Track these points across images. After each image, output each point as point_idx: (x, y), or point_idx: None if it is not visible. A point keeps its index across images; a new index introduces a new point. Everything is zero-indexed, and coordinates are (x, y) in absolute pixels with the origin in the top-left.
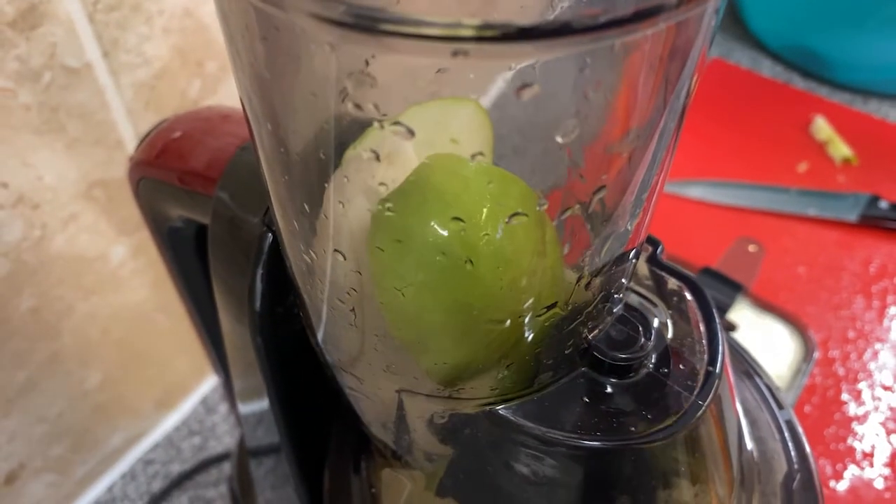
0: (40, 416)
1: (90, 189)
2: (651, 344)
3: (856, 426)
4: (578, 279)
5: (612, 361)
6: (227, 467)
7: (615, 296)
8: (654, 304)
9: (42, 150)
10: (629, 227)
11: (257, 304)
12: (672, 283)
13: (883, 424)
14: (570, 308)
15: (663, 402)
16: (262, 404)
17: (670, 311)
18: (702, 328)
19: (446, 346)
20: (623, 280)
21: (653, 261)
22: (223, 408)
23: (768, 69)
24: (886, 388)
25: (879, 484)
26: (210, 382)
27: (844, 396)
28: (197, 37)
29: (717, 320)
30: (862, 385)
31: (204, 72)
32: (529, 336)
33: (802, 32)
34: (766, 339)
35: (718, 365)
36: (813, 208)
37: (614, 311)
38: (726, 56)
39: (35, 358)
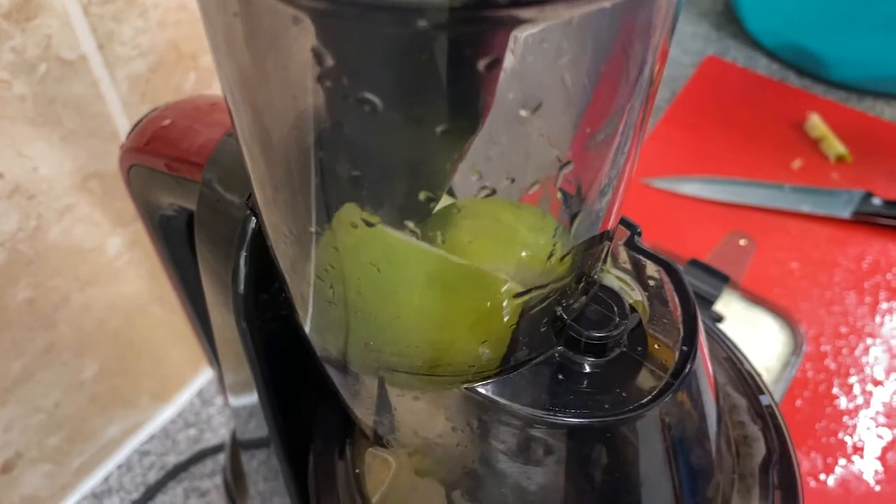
0: (37, 406)
1: (86, 181)
2: (626, 324)
3: (847, 420)
4: (550, 256)
5: (587, 340)
6: (222, 458)
7: (589, 276)
8: (631, 287)
9: (38, 142)
10: (600, 207)
11: (241, 286)
12: (650, 266)
13: (873, 419)
14: (547, 288)
15: (637, 381)
16: (253, 398)
17: (647, 293)
18: (678, 310)
19: (422, 322)
20: (596, 261)
21: (630, 244)
22: (219, 400)
23: (763, 67)
24: (877, 383)
25: (870, 477)
26: (206, 374)
27: (835, 391)
28: (192, 30)
29: (693, 302)
30: (853, 380)
31: (199, 65)
32: (505, 313)
33: (798, 31)
34: (754, 332)
35: (692, 344)
36: (807, 205)
37: (589, 290)
38: (722, 54)
39: (31, 348)
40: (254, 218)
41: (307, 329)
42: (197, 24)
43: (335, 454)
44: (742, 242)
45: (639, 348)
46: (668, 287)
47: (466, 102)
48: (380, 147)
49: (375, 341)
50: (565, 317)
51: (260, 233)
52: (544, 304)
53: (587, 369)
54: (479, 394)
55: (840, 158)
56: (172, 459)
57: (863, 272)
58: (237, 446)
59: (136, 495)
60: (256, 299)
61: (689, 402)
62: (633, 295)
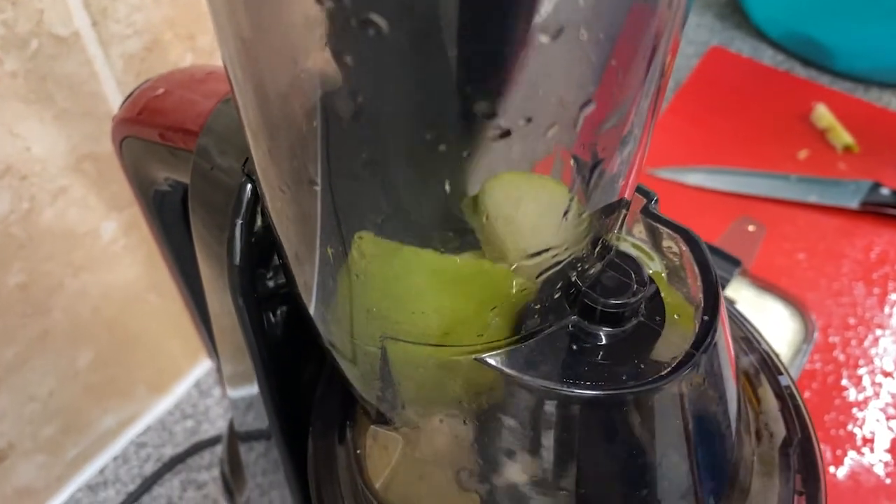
0: (30, 394)
1: (80, 162)
2: (644, 291)
3: (856, 412)
4: (565, 213)
5: (603, 308)
6: (220, 450)
7: (605, 242)
8: (649, 255)
9: (30, 120)
10: (621, 159)
11: (236, 257)
12: (667, 234)
13: (883, 410)
14: (562, 249)
15: (656, 352)
16: (252, 389)
17: (665, 261)
18: (697, 279)
19: (426, 285)
20: (613, 226)
21: (646, 212)
22: (217, 391)
23: (769, 58)
24: (887, 374)
25: (880, 470)
26: (203, 366)
27: (844, 382)
28: (189, 10)
29: (714, 271)
30: (862, 371)
31: (196, 45)
32: (516, 276)
33: (803, 21)
34: (765, 319)
35: (714, 314)
36: (814, 195)
37: (605, 256)
38: (727, 45)
39: (24, 334)
40: (250, 184)
41: (307, 301)
42: (194, 4)
43: (335, 436)
44: (751, 228)
45: (657, 318)
46: (686, 255)
47: (481, 22)
48: (384, 79)
49: (379, 307)
50: (580, 284)
51: (256, 202)
52: (558, 268)
53: (603, 339)
54: (489, 365)
55: (847, 149)
56: (169, 451)
57: (871, 263)
58: (234, 438)
59: (132, 487)
60: (253, 274)
61: (709, 377)
62: (652, 265)
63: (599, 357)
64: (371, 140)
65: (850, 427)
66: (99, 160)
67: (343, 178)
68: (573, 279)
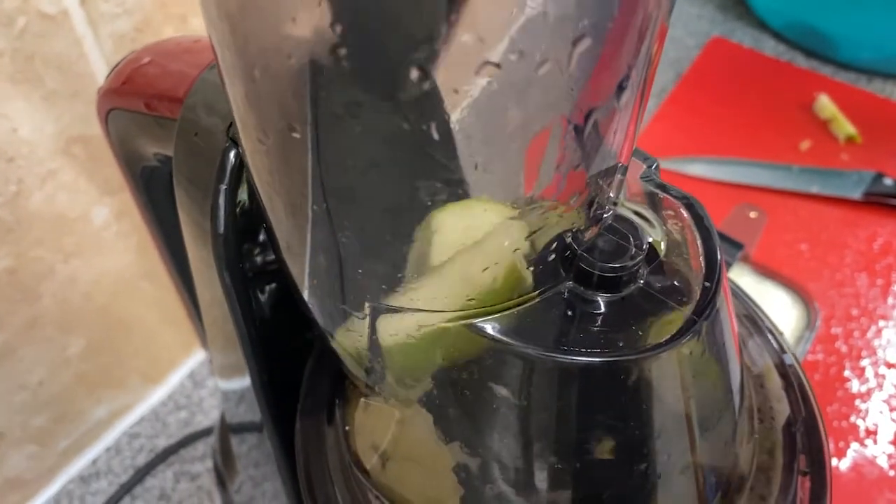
0: (20, 383)
1: (69, 145)
2: (642, 255)
3: (859, 403)
4: (558, 166)
5: (600, 273)
6: (213, 441)
7: (601, 204)
8: (648, 221)
9: (17, 101)
10: (618, 107)
11: (221, 226)
12: (668, 200)
13: (886, 402)
14: (555, 204)
15: (655, 319)
16: (243, 380)
17: (665, 227)
18: (698, 245)
19: (415, 238)
20: (608, 187)
21: (646, 177)
22: (211, 382)
23: (771, 48)
24: (890, 366)
25: (883, 462)
26: (198, 356)
27: (847, 373)
28: None
29: (715, 238)
30: (865, 362)
31: (188, 27)
32: (510, 232)
33: (805, 11)
34: (767, 306)
35: (715, 281)
36: (816, 186)
37: (601, 219)
38: (728, 35)
39: (13, 321)
40: (234, 150)
41: (293, 269)
42: None
43: (323, 413)
44: (752, 215)
45: (657, 284)
46: (688, 222)
47: None
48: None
49: (365, 269)
50: (576, 247)
51: (241, 168)
52: (553, 227)
53: (600, 306)
54: (482, 332)
55: (850, 139)
56: (162, 442)
57: (874, 254)
58: (226, 429)
59: (124, 478)
60: (239, 248)
61: (711, 347)
62: (651, 232)
63: (596, 324)
64: (352, 77)
65: (852, 419)
66: (89, 143)
67: (324, 121)
68: (568, 241)
